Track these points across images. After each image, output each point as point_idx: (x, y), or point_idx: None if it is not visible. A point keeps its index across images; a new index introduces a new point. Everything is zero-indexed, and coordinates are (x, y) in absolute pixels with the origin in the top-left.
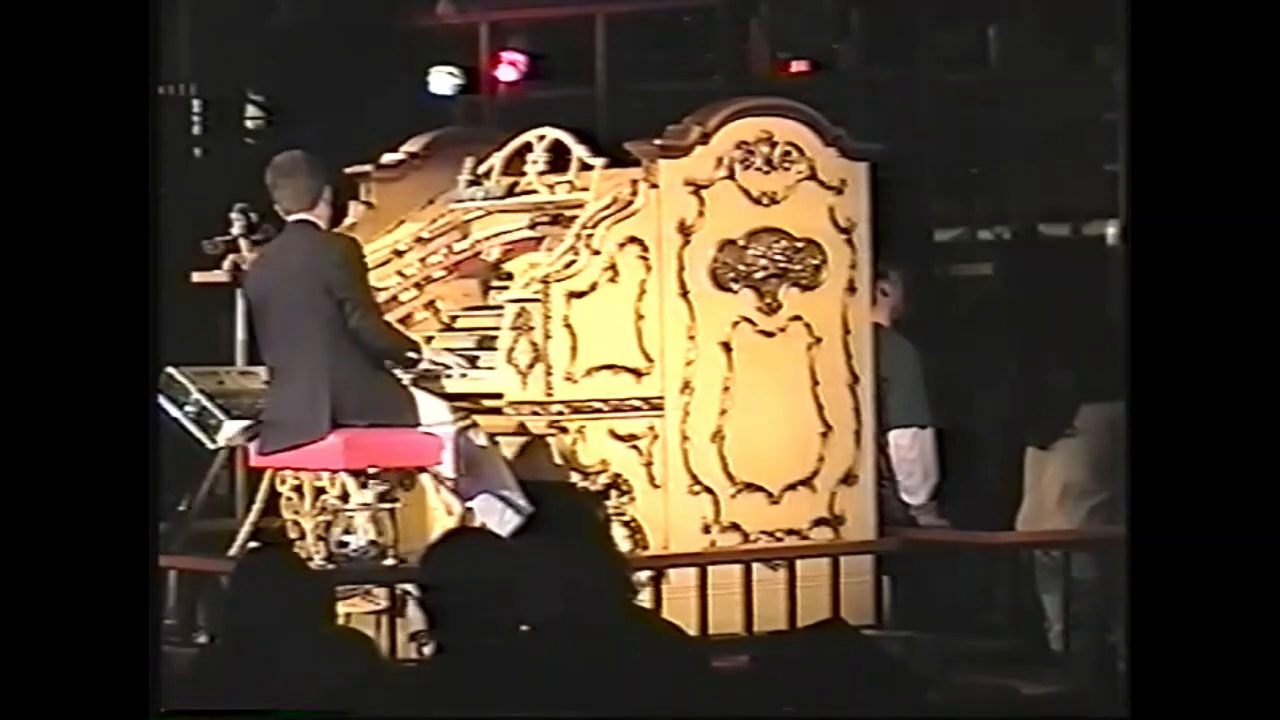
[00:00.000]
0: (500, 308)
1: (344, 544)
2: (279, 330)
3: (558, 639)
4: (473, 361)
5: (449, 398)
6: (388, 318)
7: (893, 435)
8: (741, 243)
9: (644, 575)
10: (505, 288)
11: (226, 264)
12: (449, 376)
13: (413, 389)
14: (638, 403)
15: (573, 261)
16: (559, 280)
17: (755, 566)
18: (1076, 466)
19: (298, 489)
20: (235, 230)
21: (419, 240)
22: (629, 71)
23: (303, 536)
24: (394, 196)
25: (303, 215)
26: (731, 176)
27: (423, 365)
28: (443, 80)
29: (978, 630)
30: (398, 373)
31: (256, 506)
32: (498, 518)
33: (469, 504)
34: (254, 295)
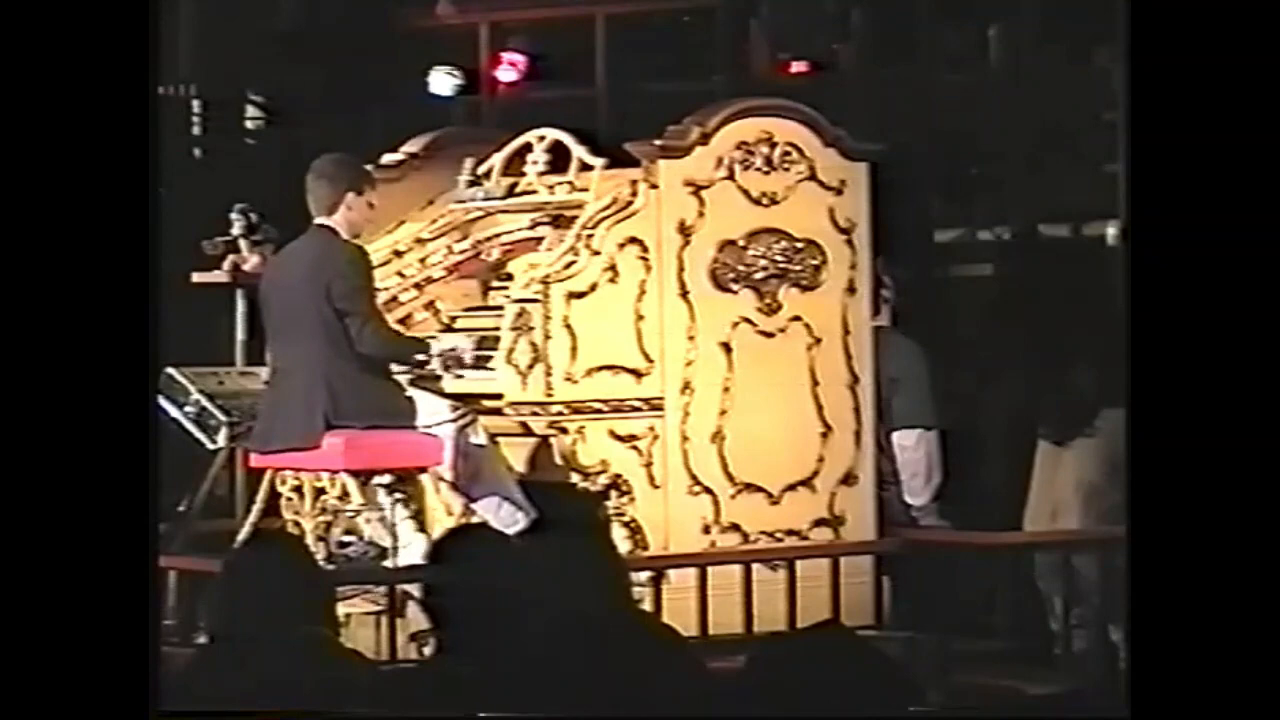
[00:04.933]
0: (500, 308)
1: (344, 544)
2: (281, 331)
3: (558, 639)
4: (481, 359)
5: (449, 397)
6: (388, 318)
7: (897, 436)
8: (741, 243)
9: (644, 576)
10: (505, 288)
11: (226, 264)
12: (459, 370)
13: (412, 388)
14: (638, 403)
15: (573, 262)
16: (559, 281)
17: (755, 567)
18: (1093, 466)
19: (298, 489)
20: (235, 230)
21: (419, 241)
22: (629, 72)
23: (303, 537)
24: (394, 197)
25: (322, 219)
26: (731, 177)
27: (432, 364)
28: (443, 81)
29: (980, 631)
30: (398, 375)
31: (256, 507)
32: (494, 515)
33: (470, 504)
34: (264, 293)
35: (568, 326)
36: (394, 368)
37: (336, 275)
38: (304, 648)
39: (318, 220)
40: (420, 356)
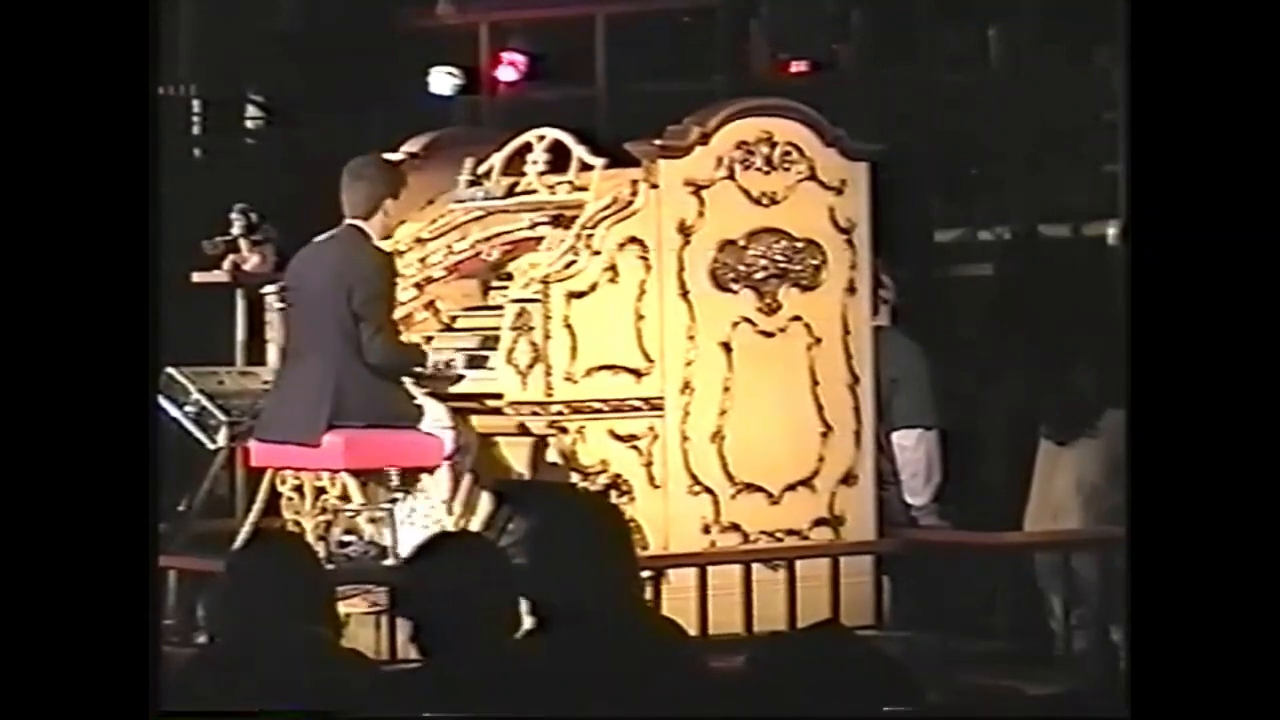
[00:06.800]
0: (500, 308)
1: (344, 544)
2: (298, 324)
3: (563, 637)
4: (479, 362)
5: (450, 398)
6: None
7: (897, 436)
8: (741, 243)
9: (644, 575)
10: (505, 288)
11: (226, 264)
12: (455, 379)
13: (418, 394)
14: (638, 403)
15: (573, 262)
16: (559, 280)
17: (755, 567)
18: (1093, 466)
19: (298, 489)
20: (235, 230)
21: (419, 240)
22: (629, 71)
23: (303, 536)
24: None
25: (355, 221)
26: (731, 177)
27: (429, 372)
28: (443, 80)
29: (980, 631)
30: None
31: (256, 506)
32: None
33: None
34: (287, 284)
35: (568, 326)
36: None
37: (360, 280)
38: (304, 647)
39: (350, 220)
40: (419, 369)
